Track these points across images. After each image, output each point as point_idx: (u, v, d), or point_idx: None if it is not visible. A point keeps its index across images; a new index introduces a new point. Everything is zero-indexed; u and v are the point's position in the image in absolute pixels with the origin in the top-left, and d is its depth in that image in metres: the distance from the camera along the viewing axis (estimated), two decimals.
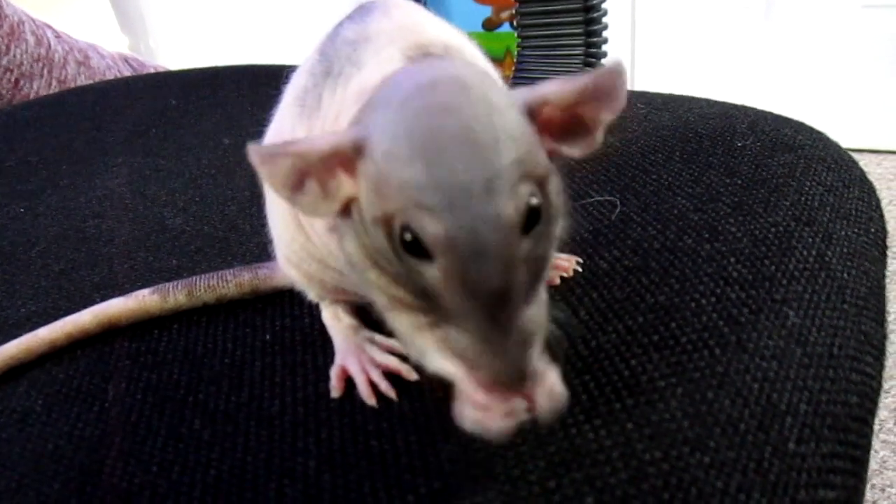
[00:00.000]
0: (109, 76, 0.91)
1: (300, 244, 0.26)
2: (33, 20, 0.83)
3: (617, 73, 0.18)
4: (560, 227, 0.19)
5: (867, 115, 1.21)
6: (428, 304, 0.18)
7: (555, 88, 0.18)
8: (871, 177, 0.36)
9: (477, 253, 0.16)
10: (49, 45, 0.82)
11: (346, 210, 0.19)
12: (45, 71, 0.80)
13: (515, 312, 0.17)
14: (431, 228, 0.16)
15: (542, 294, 0.18)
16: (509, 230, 0.16)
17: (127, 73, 0.96)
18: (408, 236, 0.17)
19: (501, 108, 0.17)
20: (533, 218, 0.17)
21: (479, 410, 0.18)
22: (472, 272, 0.16)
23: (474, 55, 0.24)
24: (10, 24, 0.76)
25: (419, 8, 0.26)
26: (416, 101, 0.17)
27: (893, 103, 1.20)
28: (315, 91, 0.24)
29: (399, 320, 0.20)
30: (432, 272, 0.17)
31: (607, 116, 0.19)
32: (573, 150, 0.19)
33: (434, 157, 0.16)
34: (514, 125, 0.17)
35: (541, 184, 0.17)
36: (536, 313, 0.17)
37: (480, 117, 0.17)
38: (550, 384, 0.18)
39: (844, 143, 0.39)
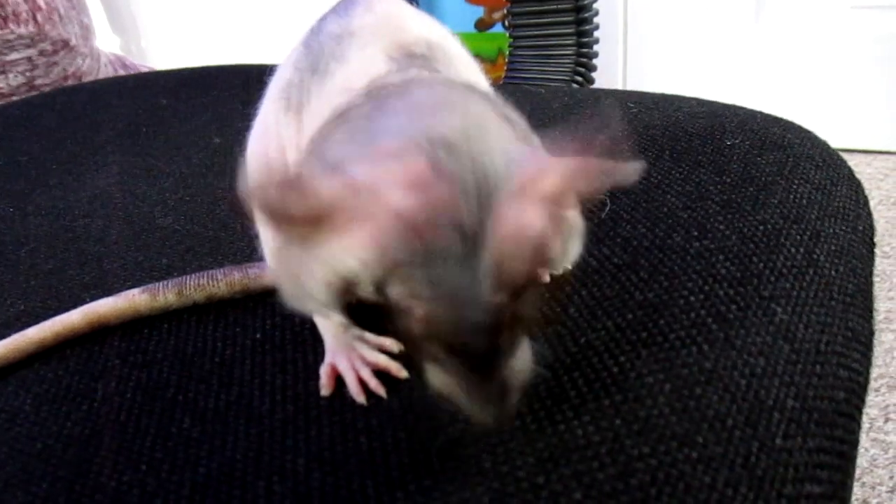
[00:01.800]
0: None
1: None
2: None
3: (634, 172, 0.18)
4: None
5: (857, 115, 1.22)
6: (410, 348, 0.18)
7: (552, 180, 0.17)
8: (861, 177, 0.37)
9: (459, 329, 0.16)
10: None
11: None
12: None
13: (500, 362, 0.17)
14: (415, 306, 0.16)
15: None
16: (494, 308, 0.16)
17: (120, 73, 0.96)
18: (397, 301, 0.16)
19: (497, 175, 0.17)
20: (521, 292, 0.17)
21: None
22: (455, 342, 0.16)
23: (458, 54, 0.25)
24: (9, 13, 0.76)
25: (402, 2, 0.26)
26: (408, 165, 0.17)
27: (882, 103, 1.21)
28: (301, 86, 0.24)
29: None
30: (413, 329, 0.17)
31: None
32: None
33: (420, 230, 0.16)
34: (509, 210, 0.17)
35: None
36: (520, 359, 0.18)
37: (469, 191, 0.16)
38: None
39: (834, 143, 0.39)
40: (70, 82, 0.83)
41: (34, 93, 0.80)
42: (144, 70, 1.00)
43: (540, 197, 0.17)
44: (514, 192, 0.17)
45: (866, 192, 0.36)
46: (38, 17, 0.78)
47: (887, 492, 0.61)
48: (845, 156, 0.38)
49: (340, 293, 0.17)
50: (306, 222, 0.17)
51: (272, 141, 0.25)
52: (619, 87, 1.32)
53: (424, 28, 0.24)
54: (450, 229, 0.16)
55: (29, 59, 0.79)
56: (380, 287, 0.17)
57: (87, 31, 0.87)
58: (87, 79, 0.87)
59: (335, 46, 0.23)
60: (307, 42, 0.25)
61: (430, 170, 0.16)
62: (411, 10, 0.25)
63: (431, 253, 0.16)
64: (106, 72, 0.87)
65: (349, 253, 0.17)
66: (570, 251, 0.20)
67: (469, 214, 0.16)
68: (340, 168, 0.17)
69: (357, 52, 0.22)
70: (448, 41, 0.24)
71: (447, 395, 0.18)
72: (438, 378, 0.18)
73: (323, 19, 0.25)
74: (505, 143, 0.18)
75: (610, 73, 1.28)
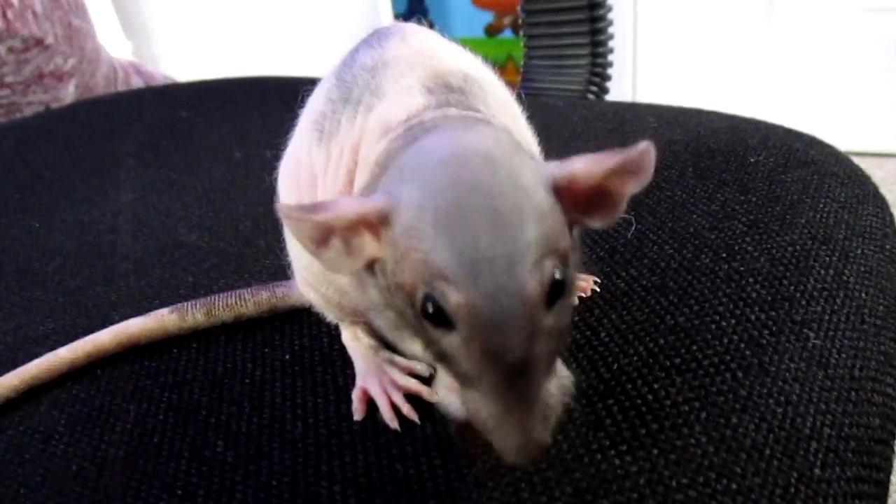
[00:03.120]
0: (111, 89, 0.92)
1: (319, 268, 0.26)
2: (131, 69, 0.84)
3: (646, 152, 0.18)
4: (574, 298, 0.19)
5: (868, 118, 1.22)
6: (449, 368, 0.18)
7: (584, 166, 0.18)
8: (872, 180, 0.37)
9: (498, 324, 0.16)
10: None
11: (370, 265, 0.19)
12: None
13: (536, 384, 0.17)
14: (453, 299, 0.16)
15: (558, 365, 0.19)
16: (532, 304, 0.16)
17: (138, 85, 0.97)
18: (430, 307, 0.17)
19: (528, 185, 0.17)
20: (556, 292, 0.17)
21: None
22: (494, 343, 0.16)
23: (492, 84, 0.25)
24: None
25: (436, 34, 0.26)
26: (443, 176, 0.17)
27: (893, 105, 1.20)
28: (334, 118, 0.24)
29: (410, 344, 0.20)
30: (453, 341, 0.17)
31: (633, 190, 0.18)
32: (595, 222, 0.19)
33: (458, 231, 0.16)
34: (539, 202, 0.17)
35: (563, 259, 0.17)
36: (558, 390, 0.18)
37: (507, 194, 0.17)
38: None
39: (846, 146, 0.39)
40: (47, 80, 0.82)
41: (5, 90, 0.80)
42: (158, 76, 1.01)
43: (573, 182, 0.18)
44: (545, 178, 0.18)
45: (881, 193, 0.36)
46: (9, 14, 0.78)
47: None
48: (857, 158, 0.38)
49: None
50: (347, 233, 0.18)
51: (304, 171, 0.26)
52: (630, 82, 1.31)
53: (461, 60, 0.24)
54: (481, 199, 0.16)
55: None
56: (427, 297, 0.17)
57: (75, 32, 0.86)
58: (77, 79, 0.87)
59: (370, 79, 0.23)
60: (339, 74, 0.25)
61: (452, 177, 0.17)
62: (446, 42, 0.25)
63: (467, 243, 0.16)
64: (111, 76, 0.86)
65: (388, 262, 0.18)
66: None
67: (499, 195, 0.17)
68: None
69: (393, 83, 0.22)
70: (482, 73, 0.24)
71: (480, 425, 0.17)
72: (475, 405, 0.17)
73: (355, 51, 0.25)
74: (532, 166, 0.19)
75: (621, 71, 1.27)
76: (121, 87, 0.95)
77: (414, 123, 0.20)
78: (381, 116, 0.21)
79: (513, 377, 0.16)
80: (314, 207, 0.18)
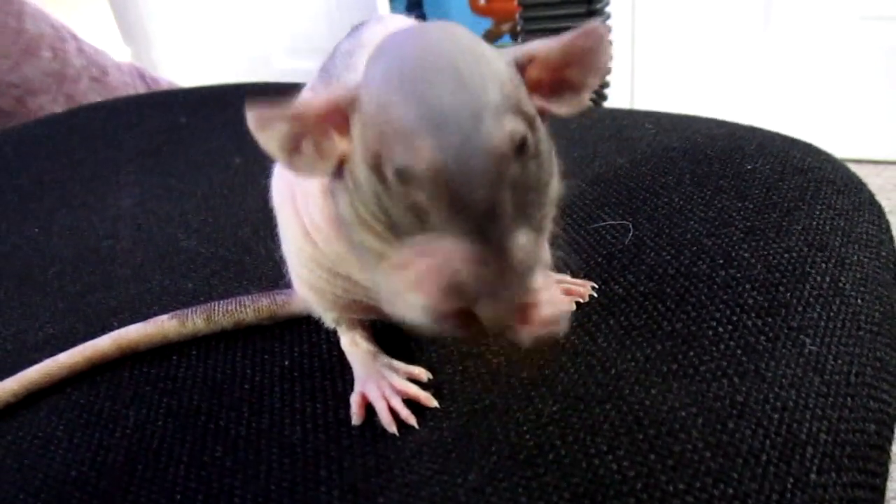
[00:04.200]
0: (121, 93, 0.91)
1: (308, 254, 0.26)
2: (58, 30, 0.83)
3: (599, 33, 0.19)
4: (554, 178, 0.19)
5: (865, 125, 1.22)
6: (419, 230, 0.18)
7: (539, 44, 0.19)
8: (870, 188, 0.37)
9: (465, 173, 0.16)
10: (65, 61, 0.82)
11: (340, 172, 0.20)
12: (54, 86, 0.80)
13: (506, 233, 0.17)
14: (421, 154, 0.17)
15: (543, 231, 0.19)
16: (496, 154, 0.17)
17: (142, 90, 0.96)
18: (398, 166, 0.17)
19: (489, 56, 0.18)
20: (520, 148, 0.17)
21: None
22: (462, 192, 0.17)
23: None
24: (28, 41, 0.76)
25: (412, 21, 0.26)
26: (407, 48, 0.18)
27: (891, 113, 1.21)
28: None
29: (385, 275, 0.20)
30: (421, 197, 0.17)
31: (593, 79, 0.19)
32: (561, 108, 0.20)
33: (422, 91, 0.17)
34: (501, 69, 0.18)
35: (528, 121, 0.18)
36: (530, 241, 0.18)
37: (469, 61, 0.17)
38: (550, 295, 0.19)
39: (843, 153, 0.39)
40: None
41: None
42: (162, 82, 1.01)
43: (533, 64, 0.19)
44: (506, 57, 0.19)
45: (877, 200, 0.36)
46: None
47: None
48: (854, 166, 0.38)
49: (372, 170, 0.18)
50: (317, 133, 0.19)
51: None
52: (628, 88, 1.32)
53: None
54: (443, 66, 0.17)
55: None
56: (396, 161, 0.17)
57: (55, 30, 0.85)
58: (108, 95, 0.87)
59: (347, 59, 0.24)
60: (323, 66, 0.26)
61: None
62: None
63: (431, 101, 0.17)
64: (88, 74, 0.85)
65: (357, 151, 0.18)
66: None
67: (461, 61, 0.17)
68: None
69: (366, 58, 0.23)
70: None
71: (453, 283, 0.18)
72: (444, 256, 0.18)
73: (337, 44, 0.26)
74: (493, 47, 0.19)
75: (619, 77, 1.28)
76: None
77: None
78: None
79: (482, 225, 0.17)
80: (282, 107, 0.18)
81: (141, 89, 0.95)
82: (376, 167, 0.18)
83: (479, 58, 0.18)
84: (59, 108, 0.83)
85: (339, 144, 0.19)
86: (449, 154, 0.16)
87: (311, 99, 0.19)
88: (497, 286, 0.17)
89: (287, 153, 0.19)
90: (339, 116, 0.19)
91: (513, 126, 0.17)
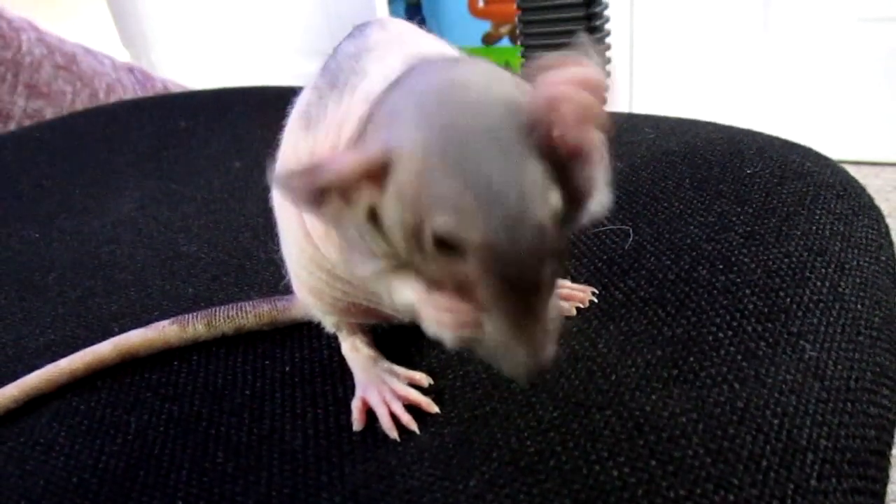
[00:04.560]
0: (100, 82, 0.90)
1: (308, 256, 0.26)
2: (11, 21, 0.82)
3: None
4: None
5: (865, 127, 1.22)
6: (460, 296, 0.18)
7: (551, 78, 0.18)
8: (869, 189, 0.37)
9: (514, 254, 0.17)
10: (20, 48, 0.81)
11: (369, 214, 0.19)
12: (10, 74, 0.80)
13: (544, 306, 0.18)
14: (470, 233, 0.17)
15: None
16: (544, 233, 0.17)
17: (128, 82, 0.96)
18: (443, 239, 0.17)
19: (522, 118, 0.18)
20: (559, 220, 0.18)
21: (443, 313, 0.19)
22: (509, 271, 0.17)
23: None
24: None
25: (413, 25, 0.27)
26: (441, 115, 0.18)
27: (890, 115, 1.21)
28: (321, 103, 0.24)
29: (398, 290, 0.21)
30: (466, 270, 0.17)
31: (590, 131, 0.18)
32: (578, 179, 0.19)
33: (468, 166, 0.17)
34: (537, 135, 0.18)
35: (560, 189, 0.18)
36: (557, 303, 0.19)
37: (510, 122, 0.17)
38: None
39: (842, 155, 0.39)
40: None
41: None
42: (159, 82, 1.01)
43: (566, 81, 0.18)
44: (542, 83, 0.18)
45: (876, 204, 0.36)
46: None
47: None
48: (853, 168, 0.38)
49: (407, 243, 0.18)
50: (341, 194, 0.18)
51: (292, 162, 0.26)
52: (627, 92, 1.32)
53: (438, 45, 0.25)
54: (484, 139, 0.17)
55: None
56: (439, 232, 0.17)
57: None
58: (81, 84, 0.86)
59: (354, 63, 0.24)
60: (325, 65, 0.26)
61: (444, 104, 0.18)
62: (421, 31, 0.26)
63: (469, 171, 0.17)
64: (52, 62, 0.85)
65: (390, 207, 0.18)
66: (600, 187, 0.20)
67: (500, 130, 0.17)
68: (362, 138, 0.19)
69: (376, 62, 0.23)
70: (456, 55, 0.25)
71: (491, 347, 0.18)
72: (487, 326, 0.18)
73: (338, 45, 0.26)
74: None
75: (618, 76, 1.28)
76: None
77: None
78: (364, 91, 0.22)
79: (525, 301, 0.17)
80: (311, 171, 0.18)
81: (126, 81, 0.95)
82: (413, 232, 0.18)
83: (515, 122, 0.17)
84: (21, 99, 0.83)
85: (368, 194, 0.19)
86: (499, 233, 0.17)
87: (339, 165, 0.18)
88: (526, 348, 0.18)
89: (314, 206, 0.18)
90: (369, 175, 0.18)
91: (555, 200, 0.17)
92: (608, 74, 0.68)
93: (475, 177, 0.17)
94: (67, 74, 0.86)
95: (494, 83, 0.18)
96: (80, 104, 0.88)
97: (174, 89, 1.02)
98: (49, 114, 0.85)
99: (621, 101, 1.32)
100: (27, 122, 0.83)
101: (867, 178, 1.19)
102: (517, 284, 0.17)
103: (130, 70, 0.99)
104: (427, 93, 0.18)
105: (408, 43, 0.24)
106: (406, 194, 0.18)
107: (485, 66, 0.20)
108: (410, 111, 0.18)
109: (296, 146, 0.25)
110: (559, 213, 0.17)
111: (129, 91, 0.94)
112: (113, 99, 0.92)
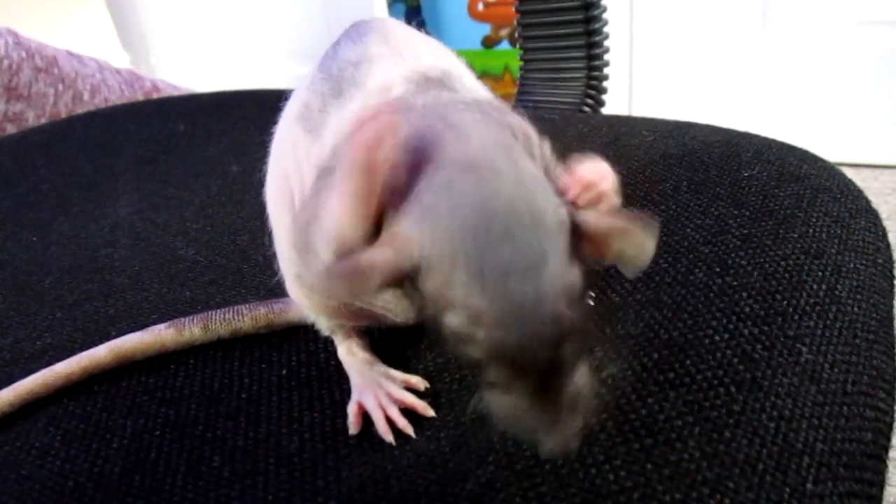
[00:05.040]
0: (84, 83, 0.90)
1: None
2: None
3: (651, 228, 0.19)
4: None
5: (863, 129, 1.22)
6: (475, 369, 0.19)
7: (595, 222, 0.19)
8: (868, 192, 0.37)
9: (529, 356, 0.17)
10: None
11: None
12: None
13: (562, 384, 0.18)
14: (490, 340, 0.17)
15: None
16: (556, 323, 0.17)
17: (114, 83, 0.96)
18: (460, 335, 0.18)
19: (551, 228, 0.18)
20: (575, 298, 0.18)
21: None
22: (523, 365, 0.17)
23: (466, 77, 0.26)
24: None
25: (413, 30, 0.27)
26: (472, 227, 0.18)
27: (889, 118, 1.21)
28: (323, 110, 0.25)
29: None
30: (478, 350, 0.18)
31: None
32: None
33: (495, 283, 0.17)
34: (561, 245, 0.18)
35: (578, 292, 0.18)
36: (584, 374, 0.18)
37: (536, 242, 0.18)
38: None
39: (840, 157, 0.39)
40: None
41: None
42: (149, 83, 1.01)
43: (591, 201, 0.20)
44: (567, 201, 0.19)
45: (874, 206, 0.36)
46: None
47: None
48: (852, 170, 0.38)
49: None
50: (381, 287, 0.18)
51: (290, 160, 0.26)
52: (626, 95, 1.32)
53: (438, 56, 0.25)
54: (508, 248, 0.17)
55: None
56: (457, 327, 0.18)
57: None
58: (63, 86, 0.87)
59: (354, 72, 0.24)
60: (324, 66, 0.26)
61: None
62: (422, 38, 0.26)
63: (491, 272, 0.17)
64: (31, 65, 0.85)
65: (416, 289, 0.18)
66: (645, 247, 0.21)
67: (528, 245, 0.17)
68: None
69: (377, 75, 0.24)
70: (456, 67, 0.26)
71: (510, 424, 0.18)
72: (500, 405, 0.18)
73: (337, 44, 0.26)
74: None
75: (616, 84, 1.28)
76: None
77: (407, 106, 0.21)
78: (360, 104, 0.23)
79: (541, 376, 0.17)
80: (353, 274, 0.18)
81: (111, 81, 0.95)
82: (436, 309, 0.18)
83: (543, 235, 0.18)
84: (0, 102, 0.84)
85: (397, 281, 0.19)
86: (517, 346, 0.17)
87: (376, 265, 0.18)
88: (547, 427, 0.18)
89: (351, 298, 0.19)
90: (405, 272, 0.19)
91: (573, 277, 0.18)
92: (606, 78, 0.68)
93: (503, 291, 0.17)
94: (48, 77, 0.87)
95: (528, 182, 0.19)
96: (63, 106, 0.88)
97: (165, 89, 1.03)
98: (31, 116, 0.85)
99: (620, 104, 1.32)
100: (8, 126, 0.84)
101: (866, 181, 1.19)
102: (531, 370, 0.17)
103: (118, 71, 0.99)
104: (462, 204, 0.18)
105: (408, 57, 0.24)
106: (433, 286, 0.18)
107: (519, 166, 0.19)
108: (444, 219, 0.18)
109: (295, 145, 0.26)
110: (578, 290, 0.18)
111: (115, 91, 0.95)
112: (98, 100, 0.92)
